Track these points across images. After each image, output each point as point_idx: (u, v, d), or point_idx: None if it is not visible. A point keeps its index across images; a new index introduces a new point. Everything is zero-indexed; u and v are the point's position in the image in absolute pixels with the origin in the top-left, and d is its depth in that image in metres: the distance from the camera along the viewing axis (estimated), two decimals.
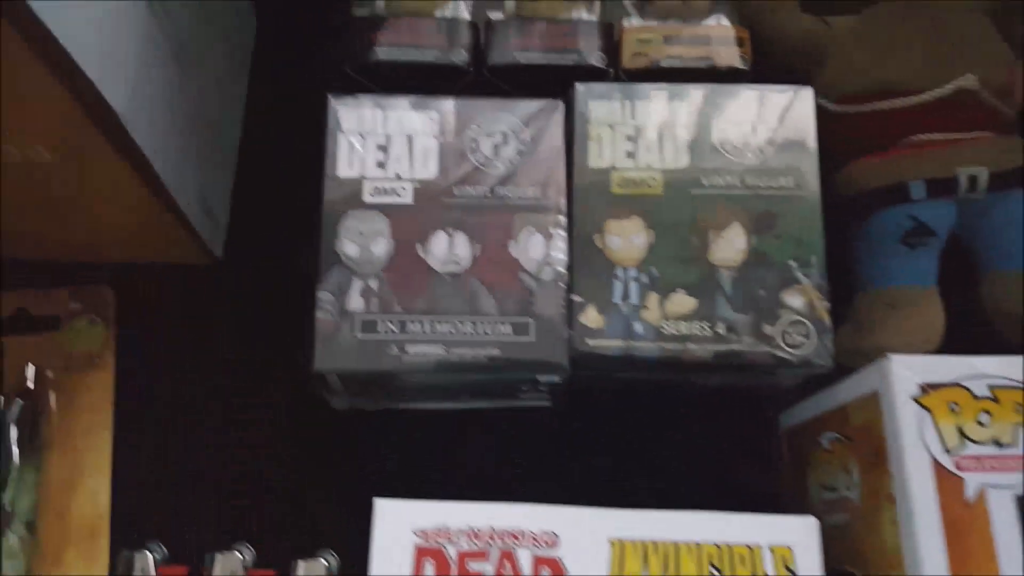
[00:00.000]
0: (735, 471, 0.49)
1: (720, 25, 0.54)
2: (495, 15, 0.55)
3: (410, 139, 0.44)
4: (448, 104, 0.45)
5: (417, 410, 0.49)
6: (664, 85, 0.46)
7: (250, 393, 0.51)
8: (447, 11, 0.54)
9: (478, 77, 0.53)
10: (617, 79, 0.53)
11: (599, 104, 0.45)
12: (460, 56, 0.52)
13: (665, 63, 0.52)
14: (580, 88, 0.46)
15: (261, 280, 0.54)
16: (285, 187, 0.55)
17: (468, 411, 0.49)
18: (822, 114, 0.51)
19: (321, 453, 0.50)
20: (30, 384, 0.50)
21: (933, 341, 0.48)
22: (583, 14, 0.55)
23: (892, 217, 0.50)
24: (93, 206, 0.46)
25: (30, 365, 0.50)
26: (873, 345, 0.48)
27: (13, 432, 0.48)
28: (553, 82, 0.51)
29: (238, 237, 0.54)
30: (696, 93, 0.46)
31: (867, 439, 0.39)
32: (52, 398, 0.50)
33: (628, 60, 0.52)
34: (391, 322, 0.42)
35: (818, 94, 0.52)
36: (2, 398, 0.49)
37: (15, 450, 0.48)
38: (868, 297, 0.50)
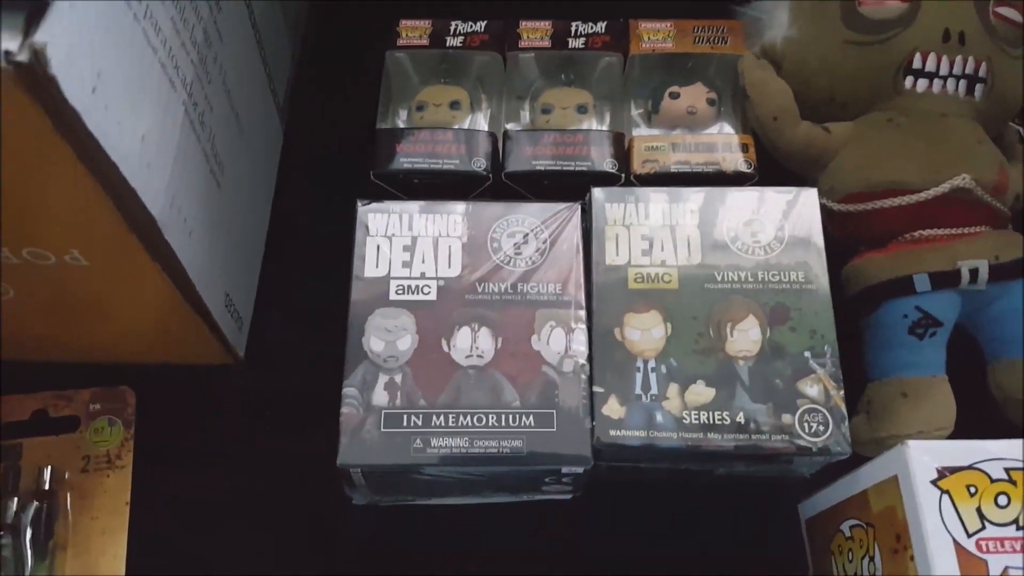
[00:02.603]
0: (759, 562, 0.49)
1: (725, 133, 0.57)
2: (512, 126, 0.58)
3: (435, 240, 0.46)
4: (471, 207, 0.47)
5: (438, 505, 0.49)
6: (676, 188, 0.48)
7: (270, 492, 0.51)
8: (466, 123, 0.57)
9: (496, 183, 0.55)
10: (628, 184, 0.55)
11: (614, 207, 0.48)
12: (479, 164, 0.55)
13: (674, 168, 0.55)
14: (597, 192, 0.48)
15: (281, 379, 0.54)
16: (306, 288, 0.56)
17: (488, 505, 0.49)
18: (826, 213, 0.54)
19: (342, 549, 0.50)
20: (46, 486, 0.50)
21: (946, 428, 0.49)
22: (594, 125, 0.58)
23: (899, 309, 0.51)
24: (122, 308, 0.47)
25: (48, 467, 0.50)
26: (887, 434, 0.49)
27: (28, 534, 0.48)
28: (567, 188, 0.54)
29: (259, 337, 0.55)
30: (705, 195, 0.48)
31: (888, 524, 0.39)
32: (68, 499, 0.50)
33: (638, 166, 0.55)
34: (415, 416, 0.42)
35: (821, 194, 0.55)
36: (17, 500, 0.49)
37: (29, 552, 0.48)
38: (880, 387, 0.51)
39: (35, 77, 0.29)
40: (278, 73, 0.60)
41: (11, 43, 0.28)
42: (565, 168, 0.55)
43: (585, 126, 0.58)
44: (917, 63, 0.54)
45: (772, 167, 0.56)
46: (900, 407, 0.49)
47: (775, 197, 0.48)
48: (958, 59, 0.54)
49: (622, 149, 0.56)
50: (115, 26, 0.34)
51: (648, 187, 0.49)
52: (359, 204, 0.47)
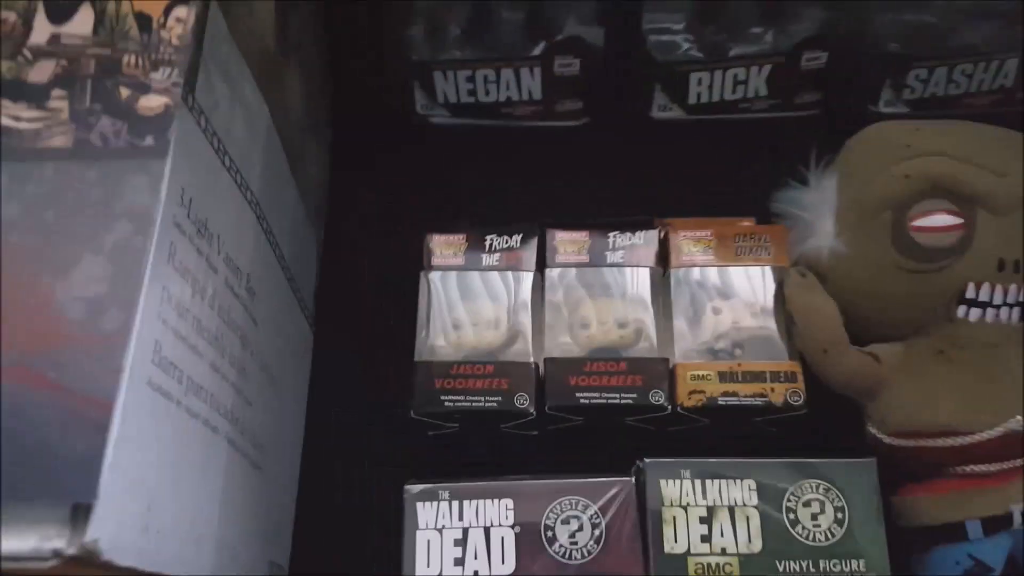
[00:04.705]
0: None
1: (773, 362, 0.55)
2: (553, 345, 0.56)
3: (486, 531, 0.45)
4: (521, 489, 0.46)
5: None
6: (731, 461, 0.47)
7: None
8: (508, 354, 0.55)
9: (540, 415, 0.54)
10: (675, 415, 0.54)
11: (669, 484, 0.46)
12: (522, 401, 0.53)
13: (721, 401, 0.54)
14: (650, 469, 0.47)
15: None
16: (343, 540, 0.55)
17: None
18: (877, 444, 0.53)
19: None
20: None
21: None
22: (636, 340, 0.56)
23: (951, 556, 0.50)
24: None
25: None
26: None
27: None
28: (612, 415, 0.53)
29: None
30: (761, 469, 0.47)
31: None
32: None
33: (684, 398, 0.54)
34: None
35: (872, 424, 0.54)
36: None
37: None
38: None
39: (87, 561, 0.27)
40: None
41: (59, 540, 0.26)
42: (611, 401, 0.54)
43: (626, 342, 0.57)
44: (971, 293, 0.52)
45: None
46: None
47: (833, 469, 0.47)
48: (1012, 287, 0.52)
49: (667, 376, 0.55)
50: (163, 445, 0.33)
51: (701, 458, 0.48)
52: (406, 492, 0.46)
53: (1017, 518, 0.50)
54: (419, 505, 0.45)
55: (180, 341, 0.34)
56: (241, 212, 0.43)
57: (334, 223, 0.65)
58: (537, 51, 0.65)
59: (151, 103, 0.36)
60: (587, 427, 0.56)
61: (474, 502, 0.46)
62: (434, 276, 0.57)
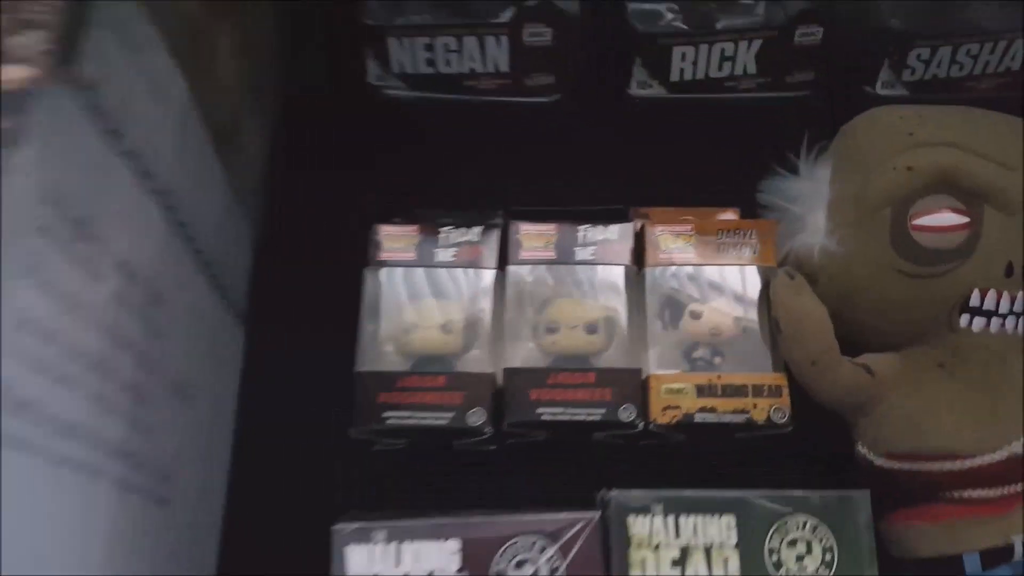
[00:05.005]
0: None
1: (755, 374, 0.49)
2: (515, 350, 0.50)
3: None
4: (470, 527, 0.40)
5: None
6: (710, 494, 0.41)
7: None
8: (464, 361, 0.49)
9: (498, 430, 0.48)
10: (647, 432, 0.49)
11: (639, 520, 0.41)
12: (476, 418, 0.48)
13: (698, 418, 0.48)
14: (616, 502, 0.41)
15: None
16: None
17: None
18: (868, 466, 0.48)
19: None
20: None
21: None
22: (606, 345, 0.51)
23: None
24: None
25: None
26: None
27: None
28: (579, 430, 0.49)
29: None
30: (742, 505, 0.42)
31: None
32: None
33: (658, 414, 0.49)
34: None
35: (863, 444, 0.49)
36: None
37: None
38: None
39: None
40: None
41: None
42: (576, 418, 0.48)
43: (595, 348, 0.51)
44: (975, 300, 0.47)
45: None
46: None
47: (821, 503, 0.42)
48: (1019, 295, 0.48)
49: (639, 388, 0.49)
50: None
51: (679, 490, 0.42)
52: (336, 530, 0.40)
53: (1018, 549, 0.45)
54: (350, 548, 0.40)
55: (41, 374, 0.27)
56: (141, 206, 0.37)
57: (274, 209, 0.59)
58: (504, 17, 0.58)
59: (10, 75, 0.29)
60: (551, 441, 0.51)
61: (415, 543, 0.40)
62: (381, 273, 0.51)
